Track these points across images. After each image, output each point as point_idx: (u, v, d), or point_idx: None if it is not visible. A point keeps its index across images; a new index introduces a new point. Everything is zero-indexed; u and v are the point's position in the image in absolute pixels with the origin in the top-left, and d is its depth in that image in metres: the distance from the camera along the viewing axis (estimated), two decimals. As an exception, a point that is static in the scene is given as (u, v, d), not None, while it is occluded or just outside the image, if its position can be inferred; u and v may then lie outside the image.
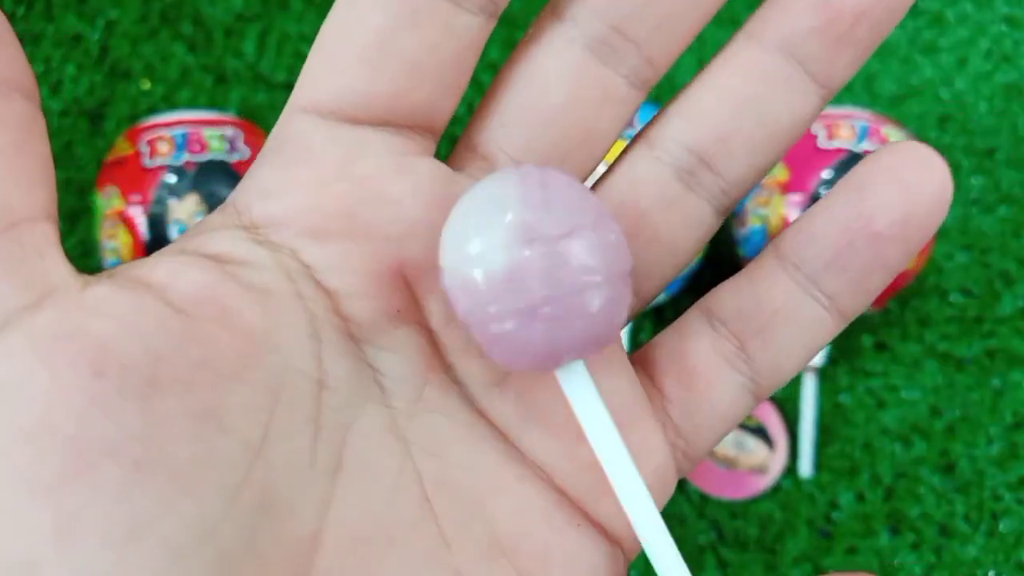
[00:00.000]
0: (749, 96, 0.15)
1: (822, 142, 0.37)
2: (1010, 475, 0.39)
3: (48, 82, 0.43)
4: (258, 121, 0.41)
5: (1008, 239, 0.42)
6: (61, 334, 0.11)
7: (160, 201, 0.34)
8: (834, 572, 0.28)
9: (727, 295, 0.16)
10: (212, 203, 0.34)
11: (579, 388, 0.14)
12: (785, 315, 0.15)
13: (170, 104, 0.43)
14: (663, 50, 0.15)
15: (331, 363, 0.14)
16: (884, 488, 0.40)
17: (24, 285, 0.12)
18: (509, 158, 0.15)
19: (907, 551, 0.39)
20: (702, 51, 0.42)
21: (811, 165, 0.36)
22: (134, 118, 0.42)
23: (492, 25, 0.14)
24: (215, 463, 0.12)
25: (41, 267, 0.12)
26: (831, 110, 0.38)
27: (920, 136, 0.43)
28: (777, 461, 0.39)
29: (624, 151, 0.16)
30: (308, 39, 0.43)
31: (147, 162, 0.35)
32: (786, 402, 0.41)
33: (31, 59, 0.43)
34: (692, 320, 0.16)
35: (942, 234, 0.42)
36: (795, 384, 0.41)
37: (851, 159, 0.36)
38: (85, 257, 0.40)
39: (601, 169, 0.16)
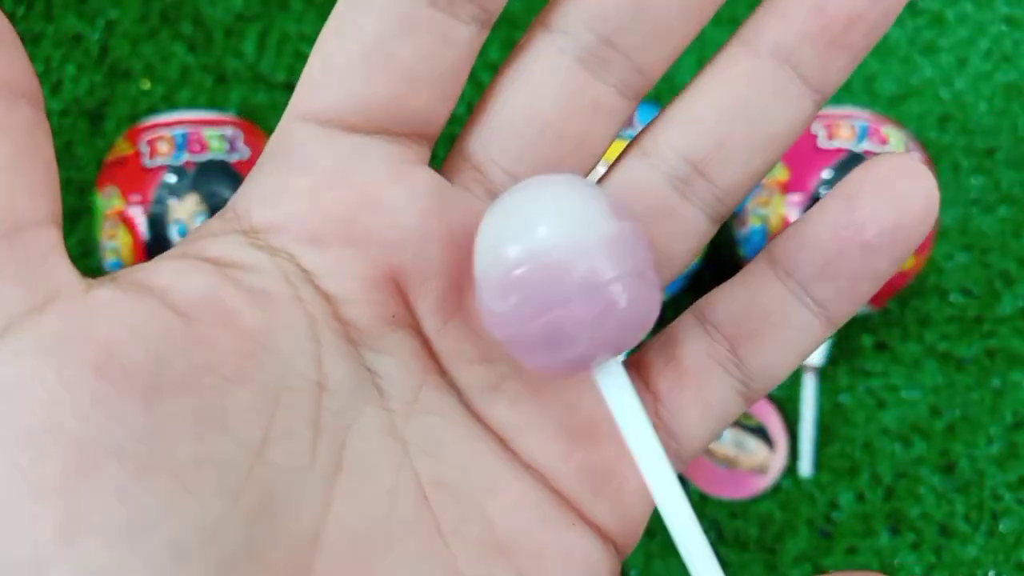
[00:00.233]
0: (743, 103, 0.15)
1: (822, 142, 0.37)
2: (1010, 475, 0.39)
3: (48, 82, 0.43)
4: (258, 121, 0.41)
5: (1008, 239, 0.42)
6: (65, 336, 0.12)
7: (160, 201, 0.34)
8: (835, 572, 0.28)
9: (720, 299, 0.16)
10: (212, 203, 0.34)
11: (616, 386, 0.14)
12: (776, 320, 0.16)
13: (170, 104, 0.43)
14: (654, 60, 0.15)
15: (330, 366, 0.14)
16: (884, 488, 0.40)
17: (29, 288, 0.12)
18: (501, 169, 0.15)
19: (907, 551, 0.39)
20: (703, 51, 0.42)
21: (811, 165, 0.36)
22: (134, 118, 0.42)
23: (485, 34, 0.15)
24: (217, 464, 0.12)
25: (45, 271, 0.12)
26: (831, 110, 0.38)
27: (920, 136, 0.43)
28: (777, 461, 0.39)
29: (619, 158, 0.16)
30: (308, 39, 0.43)
31: (147, 162, 0.35)
32: (786, 402, 0.41)
33: (31, 59, 0.43)
34: (686, 323, 0.16)
35: (942, 234, 0.42)
36: (795, 384, 0.41)
37: (851, 159, 0.36)
38: (85, 257, 0.40)
39: (601, 169, 0.16)
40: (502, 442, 0.15)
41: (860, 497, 0.40)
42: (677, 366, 0.16)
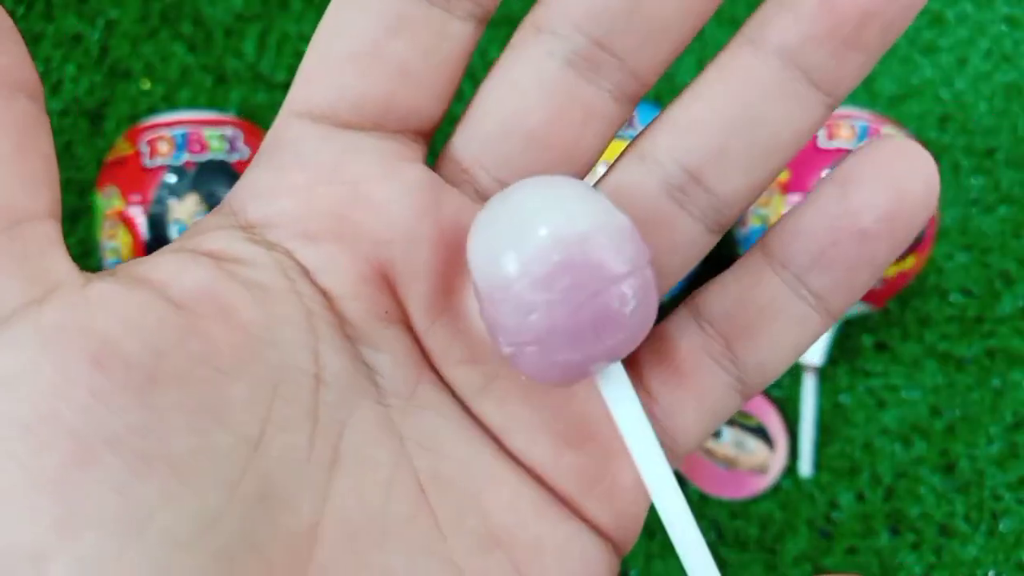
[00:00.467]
0: (744, 108, 0.14)
1: (822, 142, 0.37)
2: (1010, 475, 0.39)
3: (48, 82, 0.43)
4: (258, 121, 0.41)
5: (1008, 239, 0.42)
6: (64, 328, 0.12)
7: (160, 201, 0.34)
8: (832, 573, 0.28)
9: (714, 294, 0.16)
10: (212, 203, 0.34)
11: (617, 392, 0.14)
12: (771, 313, 0.15)
13: (170, 104, 0.43)
14: (649, 63, 0.15)
15: (328, 359, 0.14)
16: (884, 488, 0.40)
17: (28, 281, 0.12)
18: (488, 175, 0.15)
19: (907, 551, 0.39)
20: (703, 52, 0.42)
21: (811, 165, 0.36)
22: (134, 118, 0.42)
23: (481, 31, 0.15)
24: (214, 456, 0.12)
25: (45, 264, 0.12)
26: (831, 110, 0.38)
27: (920, 136, 0.43)
28: (777, 461, 0.39)
29: (615, 162, 0.16)
30: (308, 39, 0.43)
31: (147, 162, 0.35)
32: (786, 402, 0.41)
33: (31, 59, 0.43)
34: (679, 318, 0.16)
35: (942, 234, 0.42)
36: (795, 384, 0.41)
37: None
38: (85, 257, 0.40)
39: (600, 169, 0.16)
40: (496, 439, 0.15)
41: (860, 497, 0.40)
42: (671, 362, 0.16)
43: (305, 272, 0.14)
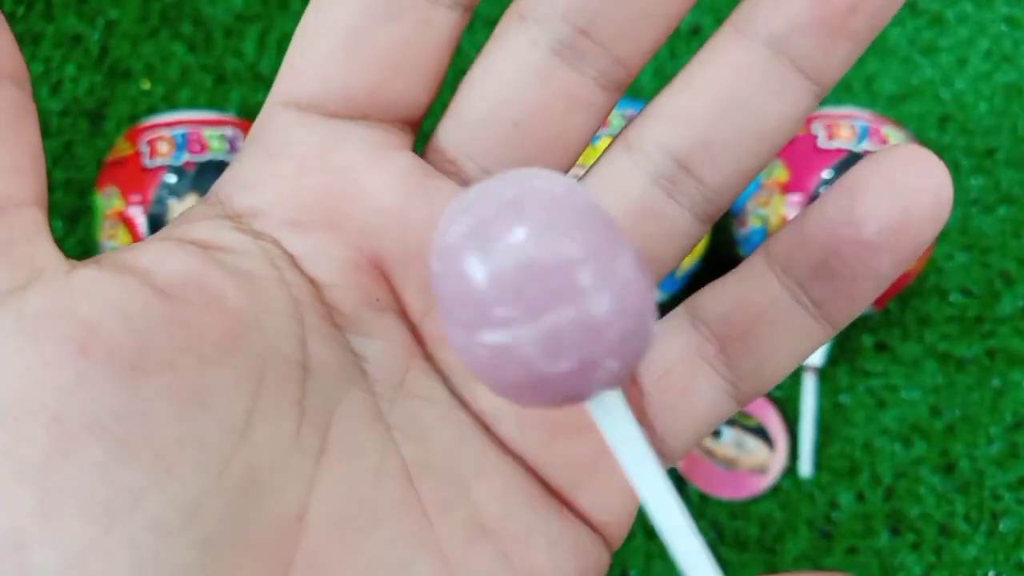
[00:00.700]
0: (734, 97, 0.14)
1: (822, 142, 0.37)
2: (1010, 475, 0.39)
3: (48, 82, 0.43)
4: (258, 121, 0.41)
5: (1008, 239, 0.42)
6: (48, 314, 0.12)
7: (160, 201, 0.34)
8: (824, 571, 0.28)
9: (713, 296, 0.15)
10: (212, 203, 0.34)
11: (615, 421, 0.12)
12: (769, 319, 0.15)
13: (170, 104, 0.43)
14: (634, 51, 0.14)
15: (315, 348, 0.14)
16: (884, 488, 0.40)
17: (11, 267, 0.12)
18: (475, 164, 0.15)
19: (907, 551, 0.39)
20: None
21: (811, 165, 0.36)
22: (134, 118, 0.42)
23: (467, 19, 0.15)
24: (199, 443, 0.12)
25: (29, 251, 0.12)
26: (831, 110, 0.38)
27: (920, 136, 0.43)
28: (777, 461, 0.39)
29: (602, 154, 0.16)
30: (308, 39, 0.43)
31: (147, 162, 0.35)
32: (786, 402, 0.41)
33: (31, 59, 0.43)
34: (676, 319, 0.16)
35: (942, 234, 0.42)
36: (795, 384, 0.41)
37: (851, 159, 0.36)
38: (85, 257, 0.40)
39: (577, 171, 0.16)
40: (487, 427, 0.15)
41: (860, 497, 0.40)
42: (662, 362, 0.15)
43: (292, 261, 0.14)
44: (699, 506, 0.39)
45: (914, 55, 0.44)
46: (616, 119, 0.35)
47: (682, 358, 0.15)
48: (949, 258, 0.42)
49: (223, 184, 0.15)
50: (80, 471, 0.11)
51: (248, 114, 0.42)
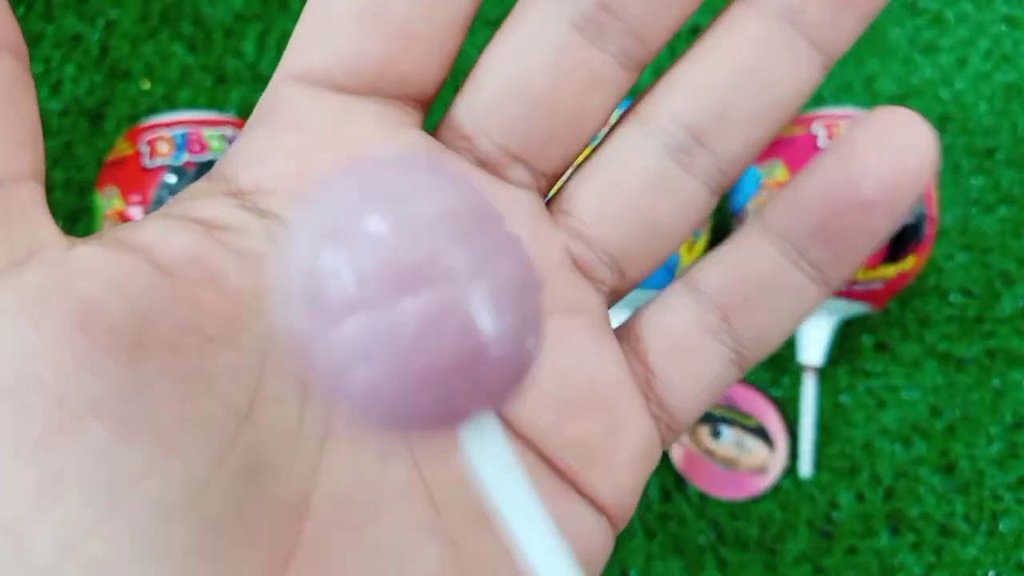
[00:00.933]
0: (750, 67, 0.14)
1: (822, 142, 0.36)
2: (1010, 475, 0.39)
3: (48, 82, 0.43)
4: (258, 121, 0.41)
5: (1008, 239, 0.42)
6: (47, 291, 0.11)
7: (160, 201, 0.34)
8: None
9: (711, 266, 0.16)
10: (212, 203, 0.34)
11: (488, 450, 0.10)
12: (770, 285, 0.15)
13: (170, 104, 0.43)
14: (656, 28, 0.14)
15: None
16: (884, 488, 0.40)
17: (10, 243, 0.12)
18: (491, 141, 0.15)
19: (907, 551, 0.39)
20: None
21: (811, 165, 0.36)
22: (134, 118, 0.42)
23: None
24: (202, 424, 0.12)
25: (27, 226, 0.12)
26: (831, 110, 0.38)
27: (920, 136, 0.43)
28: (777, 461, 0.39)
29: (614, 127, 0.16)
30: (308, 39, 0.43)
31: (147, 162, 0.35)
32: (786, 402, 0.41)
33: (31, 59, 0.43)
34: (675, 292, 0.16)
35: (942, 234, 0.42)
36: (795, 384, 0.41)
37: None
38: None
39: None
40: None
41: (860, 497, 0.40)
42: (667, 336, 0.15)
43: None
44: (699, 506, 0.39)
45: (914, 55, 0.44)
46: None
47: (686, 331, 0.15)
48: (949, 258, 0.42)
49: (228, 160, 0.14)
50: (80, 451, 0.11)
51: (248, 114, 0.42)
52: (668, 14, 0.14)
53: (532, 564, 0.11)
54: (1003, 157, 0.43)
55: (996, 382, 0.41)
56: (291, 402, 0.13)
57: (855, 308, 0.38)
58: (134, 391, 0.11)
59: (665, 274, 0.35)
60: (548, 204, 0.16)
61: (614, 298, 0.16)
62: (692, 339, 0.15)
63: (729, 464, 0.40)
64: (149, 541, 0.11)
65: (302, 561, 0.12)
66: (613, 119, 0.16)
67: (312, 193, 0.10)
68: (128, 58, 0.43)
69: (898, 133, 0.14)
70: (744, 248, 0.15)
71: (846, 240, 0.14)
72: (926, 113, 0.44)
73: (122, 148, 0.36)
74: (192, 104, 0.43)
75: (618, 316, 0.16)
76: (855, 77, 0.44)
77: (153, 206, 0.34)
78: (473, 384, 0.09)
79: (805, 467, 0.39)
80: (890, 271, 0.36)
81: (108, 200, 0.35)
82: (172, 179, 0.34)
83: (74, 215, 0.40)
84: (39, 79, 0.42)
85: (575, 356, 0.15)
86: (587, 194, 0.15)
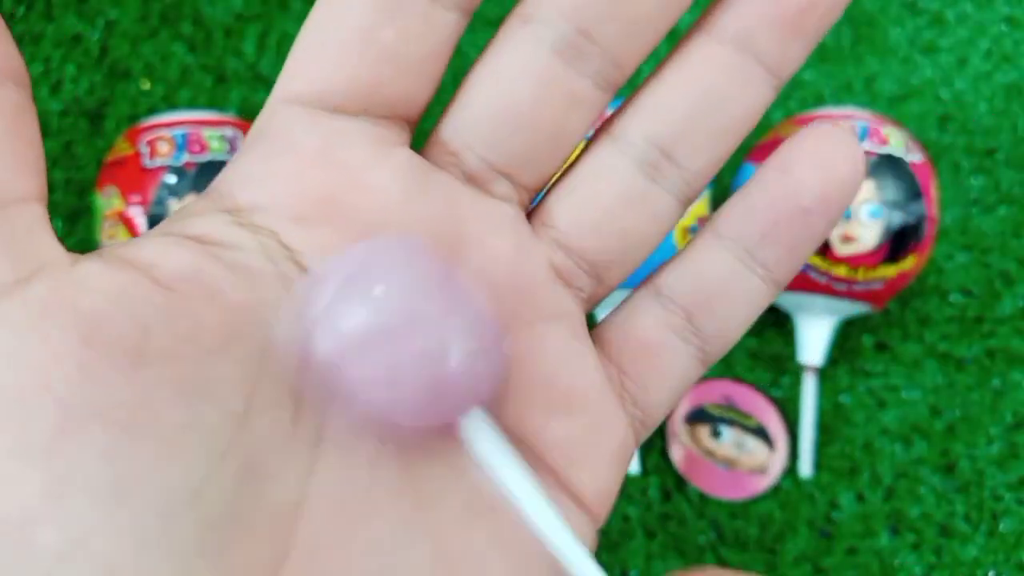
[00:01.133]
0: (709, 89, 0.16)
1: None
2: (1010, 475, 0.39)
3: (48, 82, 0.43)
4: (258, 121, 0.41)
5: (1008, 239, 0.42)
6: (52, 306, 0.12)
7: (160, 201, 0.34)
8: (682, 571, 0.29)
9: (673, 272, 0.17)
10: (212, 203, 0.34)
11: (483, 437, 0.14)
12: (727, 286, 0.17)
13: (170, 104, 0.43)
14: (630, 52, 0.16)
15: None
16: (884, 488, 0.40)
17: (15, 261, 0.12)
18: (477, 157, 0.16)
19: (907, 551, 0.39)
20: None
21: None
22: (134, 118, 0.42)
23: (466, 22, 0.15)
24: (200, 429, 0.12)
25: (32, 244, 0.13)
26: (831, 110, 0.38)
27: (920, 136, 0.43)
28: (777, 461, 0.39)
29: (588, 144, 0.17)
30: (308, 39, 0.43)
31: (147, 162, 0.35)
32: (786, 402, 0.41)
33: (31, 59, 0.43)
34: (641, 297, 0.17)
35: (942, 234, 0.42)
36: (795, 384, 0.41)
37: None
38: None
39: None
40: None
41: (860, 497, 0.40)
42: (637, 339, 0.17)
43: (292, 256, 0.14)
44: (699, 506, 0.39)
45: (914, 55, 0.44)
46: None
47: (654, 332, 0.17)
48: (949, 258, 0.42)
49: (224, 179, 0.15)
50: (85, 454, 0.11)
51: (248, 114, 0.42)
52: (641, 39, 0.16)
53: (531, 526, 0.14)
54: (1003, 157, 0.43)
55: (996, 382, 0.41)
56: (285, 410, 0.13)
57: (855, 308, 0.38)
58: (135, 399, 0.12)
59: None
60: (529, 216, 0.17)
61: (590, 305, 0.17)
62: (660, 340, 0.17)
63: (729, 464, 0.40)
64: (151, 539, 0.12)
65: (297, 560, 0.13)
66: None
67: (332, 259, 0.14)
68: (128, 58, 0.43)
69: (829, 147, 0.16)
70: (701, 253, 0.17)
71: (791, 242, 0.16)
72: (926, 113, 0.44)
73: (122, 148, 0.36)
74: (192, 104, 0.43)
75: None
76: (855, 77, 0.44)
77: (153, 206, 0.34)
78: (456, 388, 0.13)
79: (805, 467, 0.39)
80: (890, 271, 0.36)
81: (108, 200, 0.35)
82: (172, 179, 0.34)
83: (74, 215, 0.40)
84: (39, 79, 0.42)
85: (558, 361, 0.16)
86: (566, 207, 0.16)
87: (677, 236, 0.36)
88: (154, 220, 0.34)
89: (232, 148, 0.35)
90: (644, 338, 0.17)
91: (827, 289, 0.37)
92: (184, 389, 0.12)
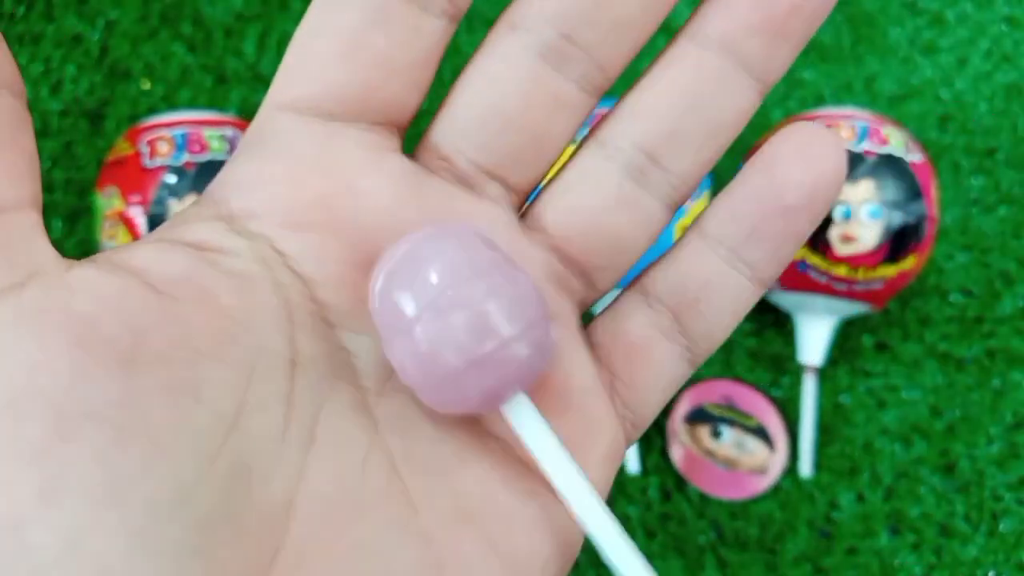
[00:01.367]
0: (694, 94, 0.16)
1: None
2: (1010, 475, 0.39)
3: (48, 82, 0.43)
4: (258, 121, 0.41)
5: (1008, 239, 0.42)
6: (47, 309, 0.12)
7: (160, 201, 0.34)
8: None
9: (659, 274, 0.17)
10: (212, 203, 0.34)
11: (526, 420, 0.15)
12: (714, 287, 0.17)
13: (170, 104, 0.43)
14: (614, 56, 0.16)
15: (304, 344, 0.14)
16: (884, 488, 0.40)
17: (10, 266, 0.13)
18: (467, 160, 0.16)
19: (907, 551, 0.39)
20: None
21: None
22: (134, 118, 0.42)
23: (453, 29, 0.16)
24: (192, 431, 0.12)
25: (26, 250, 0.13)
26: (831, 110, 0.38)
27: (920, 136, 0.43)
28: (777, 461, 0.39)
29: (576, 150, 0.17)
30: (308, 39, 0.43)
31: (147, 162, 0.35)
32: (786, 402, 0.41)
33: (31, 59, 0.43)
34: (629, 300, 0.17)
35: (942, 234, 0.42)
36: (795, 384, 0.41)
37: (851, 159, 0.36)
38: (85, 257, 0.40)
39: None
40: (472, 417, 0.16)
41: (860, 497, 0.40)
42: (626, 340, 0.17)
43: (285, 261, 0.15)
44: (699, 506, 0.39)
45: (914, 55, 0.44)
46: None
47: (642, 333, 0.17)
48: (949, 258, 0.42)
49: (219, 185, 0.15)
50: (78, 455, 0.11)
51: (248, 114, 0.42)
52: (625, 43, 0.16)
53: (568, 502, 0.15)
54: (1003, 157, 0.43)
55: (996, 382, 0.41)
56: (276, 412, 0.14)
57: (855, 308, 0.38)
58: (128, 400, 0.12)
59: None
60: (520, 221, 0.17)
61: (582, 308, 0.17)
62: (648, 342, 0.17)
63: (729, 464, 0.40)
64: (144, 538, 0.12)
65: (287, 559, 0.13)
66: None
67: (392, 248, 0.14)
68: (128, 58, 0.43)
69: (812, 146, 0.16)
70: (687, 254, 0.17)
71: (776, 241, 0.16)
72: (926, 113, 0.44)
73: (122, 148, 0.36)
74: (192, 104, 0.43)
75: None
76: (855, 77, 0.44)
77: (153, 206, 0.34)
78: (500, 370, 0.14)
79: (805, 467, 0.39)
80: (890, 271, 0.36)
81: (108, 200, 0.35)
82: (172, 179, 0.34)
83: (74, 215, 0.40)
84: (39, 79, 0.42)
85: (554, 362, 0.16)
86: (556, 212, 0.17)
87: (677, 236, 0.36)
88: (154, 220, 0.34)
89: (232, 148, 0.35)
90: (632, 339, 0.17)
91: (827, 289, 0.37)
92: (176, 391, 0.12)
